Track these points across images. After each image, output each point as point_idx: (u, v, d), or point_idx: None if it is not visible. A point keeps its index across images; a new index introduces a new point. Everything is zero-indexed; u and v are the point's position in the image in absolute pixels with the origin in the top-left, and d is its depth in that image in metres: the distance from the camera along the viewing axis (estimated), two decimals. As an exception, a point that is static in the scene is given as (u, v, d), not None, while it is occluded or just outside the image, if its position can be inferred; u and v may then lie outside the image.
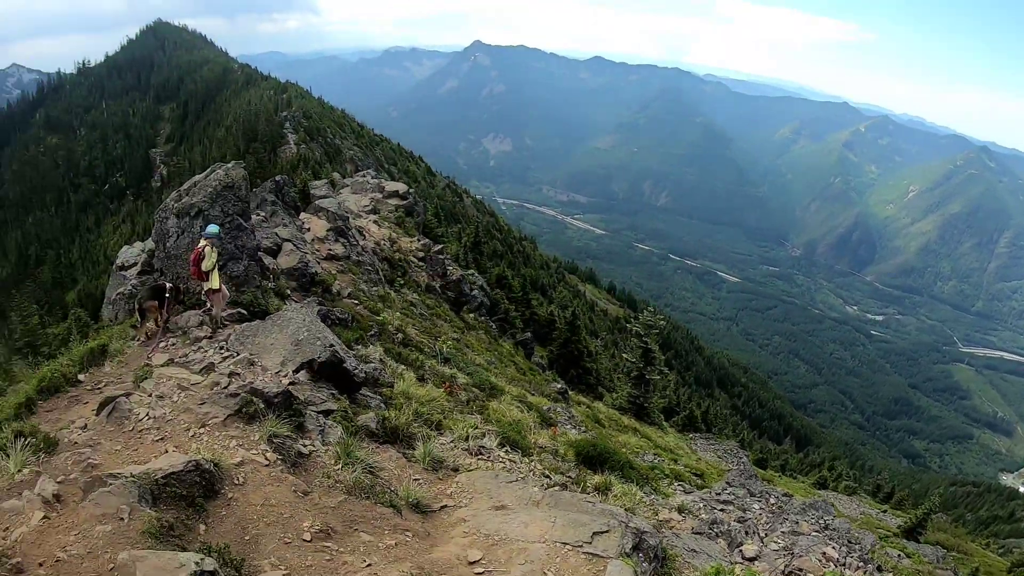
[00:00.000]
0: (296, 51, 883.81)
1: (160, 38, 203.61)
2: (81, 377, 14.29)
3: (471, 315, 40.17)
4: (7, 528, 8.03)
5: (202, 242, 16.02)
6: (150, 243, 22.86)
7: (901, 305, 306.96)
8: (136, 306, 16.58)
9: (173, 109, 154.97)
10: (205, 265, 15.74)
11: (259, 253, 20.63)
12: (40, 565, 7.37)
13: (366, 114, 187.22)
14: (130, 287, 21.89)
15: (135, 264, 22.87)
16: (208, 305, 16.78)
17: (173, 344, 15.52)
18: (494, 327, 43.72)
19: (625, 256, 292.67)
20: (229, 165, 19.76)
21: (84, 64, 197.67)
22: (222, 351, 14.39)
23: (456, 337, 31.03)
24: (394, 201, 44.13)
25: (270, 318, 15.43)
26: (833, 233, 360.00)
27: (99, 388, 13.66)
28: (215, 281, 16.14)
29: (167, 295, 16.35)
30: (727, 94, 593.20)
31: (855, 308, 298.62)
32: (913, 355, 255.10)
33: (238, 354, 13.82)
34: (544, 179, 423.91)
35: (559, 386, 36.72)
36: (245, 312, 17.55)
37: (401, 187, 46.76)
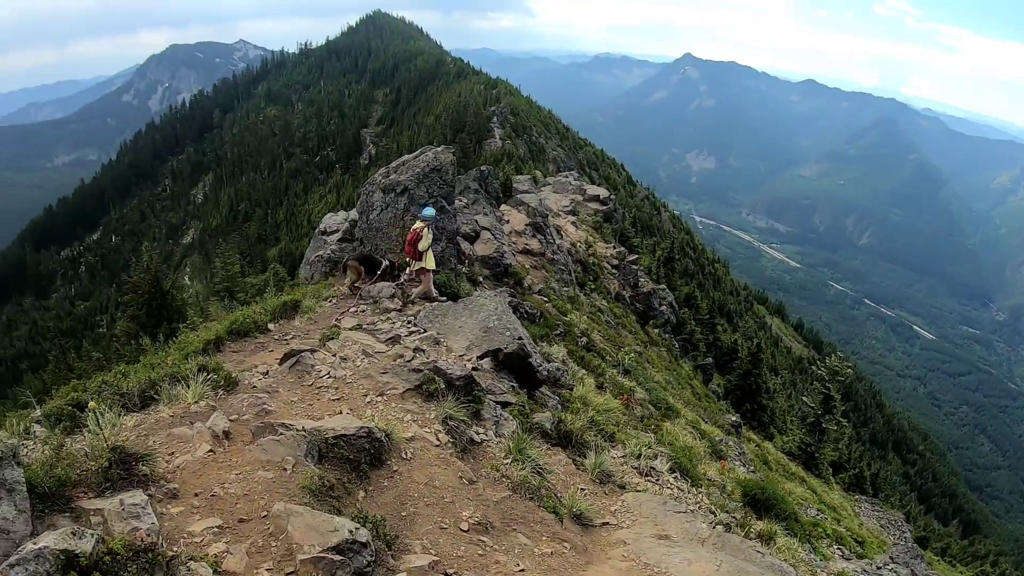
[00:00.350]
0: (508, 49, 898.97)
1: (379, 27, 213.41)
2: (271, 327, 14.73)
3: (655, 330, 39.31)
4: (172, 453, 8.14)
5: (418, 223, 16.45)
6: (353, 213, 23.44)
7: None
8: (343, 262, 17.89)
9: (386, 94, 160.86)
10: (421, 245, 16.24)
11: (457, 237, 20.74)
12: (196, 495, 7.40)
13: (572, 117, 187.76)
14: (329, 251, 22.54)
15: (337, 231, 23.50)
16: (405, 279, 17.47)
17: (363, 311, 15.72)
18: (676, 346, 42.65)
19: (818, 293, 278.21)
20: (439, 149, 19.96)
21: (306, 45, 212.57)
22: (409, 325, 14.36)
23: (638, 350, 30.31)
24: (594, 205, 43.89)
25: (462, 301, 15.34)
26: None
27: (286, 339, 14.00)
28: (429, 261, 16.55)
29: (379, 271, 17.22)
30: (944, 131, 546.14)
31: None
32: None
33: (425, 331, 13.73)
34: (744, 202, 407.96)
35: (733, 419, 35.28)
36: (435, 292, 17.54)
37: (602, 192, 46.46)
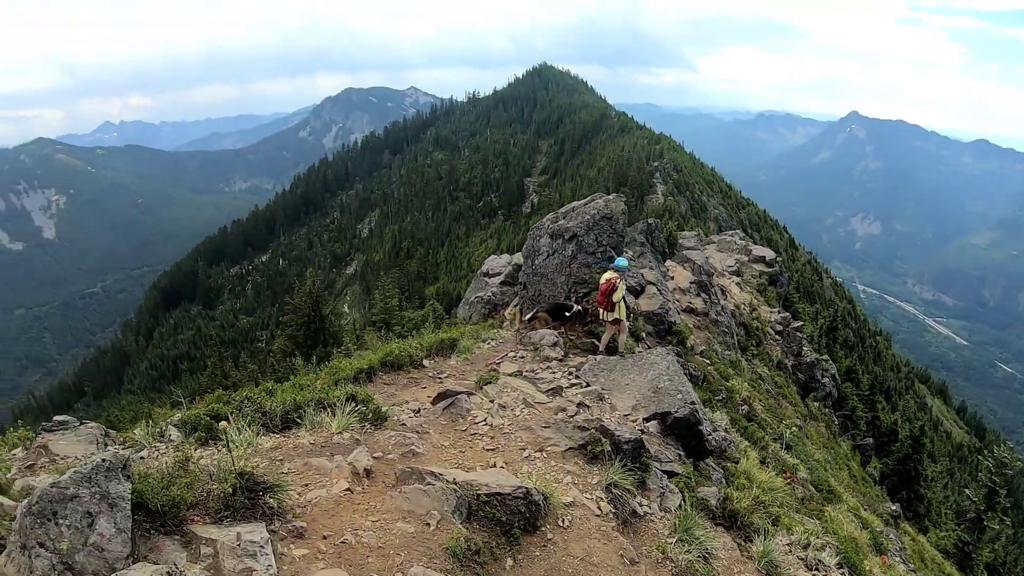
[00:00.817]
0: (671, 105, 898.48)
1: (544, 79, 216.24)
2: (426, 362, 14.34)
3: (815, 404, 37.07)
4: (306, 485, 7.53)
5: (611, 273, 15.86)
6: (517, 257, 22.98)
7: None
8: (532, 313, 17.15)
9: (550, 145, 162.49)
10: (616, 296, 15.61)
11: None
12: (324, 539, 6.71)
13: (734, 175, 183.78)
14: (490, 293, 22.09)
15: (499, 274, 23.12)
16: (586, 321, 17.17)
17: (522, 357, 15.03)
18: (836, 423, 40.11)
19: (984, 375, 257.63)
20: (610, 197, 19.26)
21: (474, 94, 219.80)
22: (571, 377, 13.58)
23: (799, 424, 28.48)
24: (759, 267, 42.17)
25: (631, 357, 14.41)
26: None
27: (440, 377, 13.50)
28: (622, 312, 15.92)
29: (569, 313, 16.95)
30: None
31: None
32: None
33: (588, 385, 12.89)
34: (909, 271, 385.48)
35: (892, 508, 32.66)
36: (597, 343, 16.69)
37: (768, 253, 44.56)
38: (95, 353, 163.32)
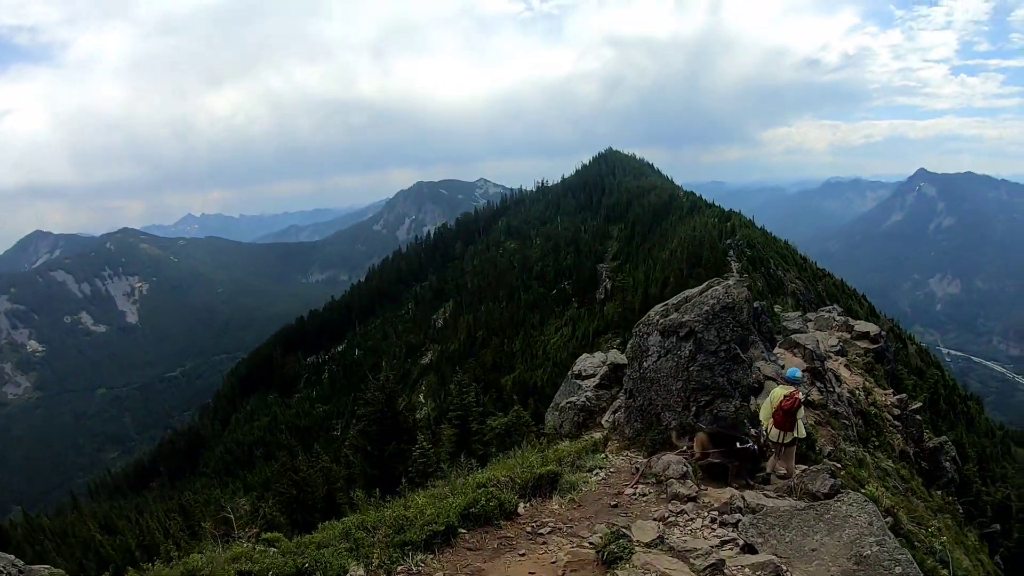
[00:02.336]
0: (737, 181, 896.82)
1: (610, 164, 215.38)
2: (520, 509, 10.97)
3: (937, 492, 32.44)
4: None
5: (784, 387, 13.82)
6: (614, 355, 19.92)
7: None
8: (692, 446, 14.03)
9: (621, 229, 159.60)
10: (800, 414, 13.58)
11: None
12: None
13: (805, 246, 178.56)
14: (584, 398, 18.94)
15: (593, 375, 20.01)
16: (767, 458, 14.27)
17: (644, 497, 11.55)
18: (960, 510, 35.23)
19: None
20: (730, 282, 16.03)
21: (543, 183, 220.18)
22: (718, 528, 10.18)
23: (938, 526, 24.22)
24: (863, 344, 38.10)
25: (810, 508, 10.35)
26: None
27: (540, 533, 10.22)
28: (801, 431, 13.80)
29: (740, 454, 13.63)
30: None
31: None
32: None
33: (752, 547, 9.29)
34: (995, 328, 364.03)
35: None
36: (728, 465, 13.31)
37: (872, 328, 40.42)
38: (172, 435, 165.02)
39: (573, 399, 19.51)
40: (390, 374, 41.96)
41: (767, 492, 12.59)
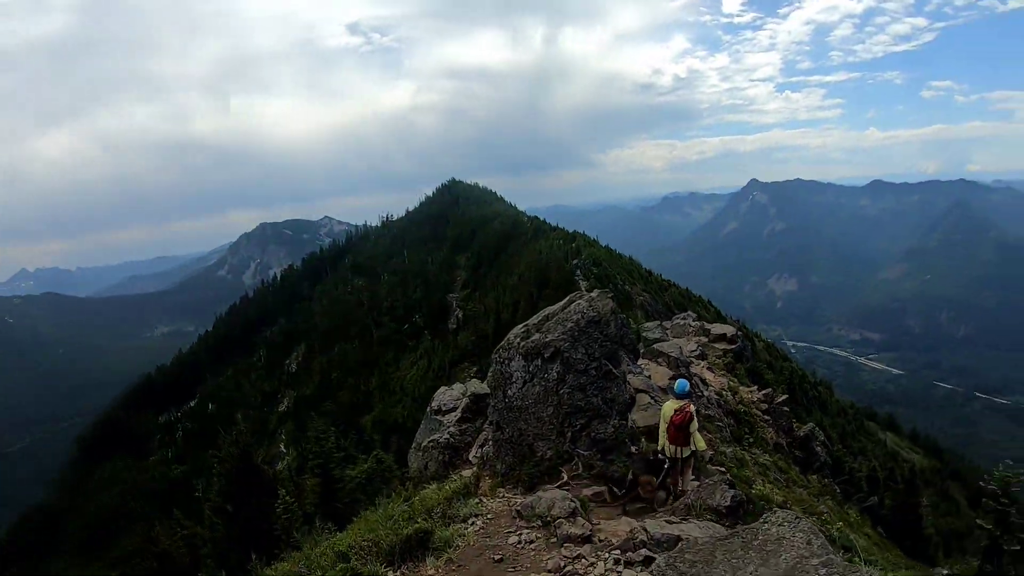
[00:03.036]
0: (579, 203, 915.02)
1: (454, 194, 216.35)
2: (393, 577, 9.26)
3: (814, 477, 32.84)
4: None
5: (673, 402, 13.24)
6: (474, 385, 18.48)
7: None
8: (629, 477, 13.26)
9: (467, 258, 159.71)
10: (694, 427, 13.09)
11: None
12: None
13: (650, 260, 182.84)
14: (447, 435, 17.47)
15: (454, 409, 18.48)
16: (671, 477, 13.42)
17: (532, 544, 10.18)
18: (838, 491, 35.87)
19: (925, 398, 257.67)
20: (594, 295, 14.94)
21: (388, 218, 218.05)
22: (622, 568, 8.97)
23: (825, 510, 24.14)
24: (721, 345, 38.25)
25: (737, 534, 8.15)
26: None
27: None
28: (700, 443, 13.44)
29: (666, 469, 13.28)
30: (1020, 200, 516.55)
31: None
32: None
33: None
34: (832, 318, 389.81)
35: (944, 572, 28.39)
36: (616, 491, 12.22)
37: (729, 329, 40.79)
38: (25, 513, 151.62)
39: (435, 437, 17.98)
40: (244, 427, 39.50)
41: (670, 518, 11.44)
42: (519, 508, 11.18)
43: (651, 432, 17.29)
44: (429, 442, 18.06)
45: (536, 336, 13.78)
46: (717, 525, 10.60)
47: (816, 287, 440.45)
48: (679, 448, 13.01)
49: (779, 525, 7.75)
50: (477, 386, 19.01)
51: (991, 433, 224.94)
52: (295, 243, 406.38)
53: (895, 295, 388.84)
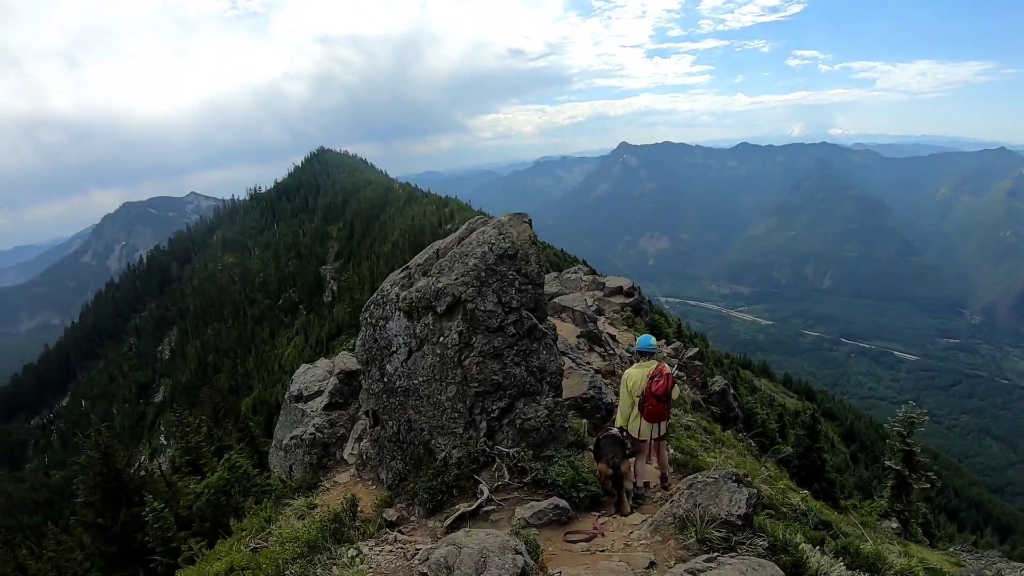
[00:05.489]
0: (451, 169, 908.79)
1: (324, 163, 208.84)
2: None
3: (728, 432, 29.96)
4: None
5: (641, 366, 9.87)
6: (343, 359, 13.68)
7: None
8: (608, 468, 9.17)
9: (340, 228, 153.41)
10: (676, 393, 10.09)
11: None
12: None
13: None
14: (313, 427, 12.88)
15: (319, 393, 13.69)
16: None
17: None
18: (754, 444, 33.16)
19: (794, 345, 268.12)
20: (504, 218, 10.10)
21: (256, 191, 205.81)
22: None
23: (768, 474, 20.82)
24: (618, 299, 34.63)
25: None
26: (1013, 292, 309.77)
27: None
28: (677, 391, 10.19)
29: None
30: (878, 161, 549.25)
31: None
32: None
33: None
34: (704, 274, 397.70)
35: (895, 526, 28.13)
36: (564, 505, 8.20)
37: (625, 282, 37.16)
38: None
39: (298, 432, 13.19)
40: (101, 428, 33.44)
41: (683, 555, 7.08)
42: (424, 571, 6.40)
43: (583, 401, 13.00)
44: (291, 439, 13.29)
45: (423, 282, 9.23)
46: (763, 561, 6.21)
47: (687, 245, 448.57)
48: (658, 425, 9.83)
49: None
50: (347, 360, 14.24)
51: (858, 375, 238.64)
52: (161, 222, 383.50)
53: (763, 250, 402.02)
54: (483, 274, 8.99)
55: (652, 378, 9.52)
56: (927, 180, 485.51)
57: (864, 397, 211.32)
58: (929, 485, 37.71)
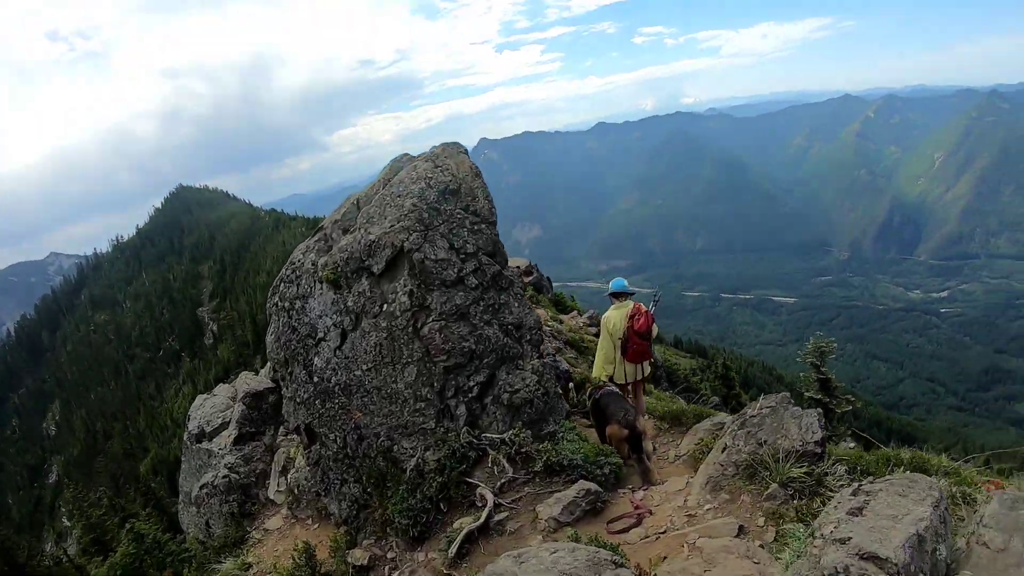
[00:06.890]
0: (316, 189, 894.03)
1: (185, 202, 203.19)
2: None
3: (658, 390, 28.53)
4: None
5: (618, 306, 9.66)
6: (244, 380, 11.32)
7: (961, 275, 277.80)
8: (622, 428, 7.52)
9: (211, 266, 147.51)
10: (655, 330, 9.44)
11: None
12: None
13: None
14: (225, 470, 10.54)
15: (224, 424, 11.14)
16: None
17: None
18: (682, 401, 31.92)
19: (677, 308, 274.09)
20: (438, 149, 7.91)
21: (118, 240, 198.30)
22: None
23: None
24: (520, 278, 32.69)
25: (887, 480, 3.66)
26: (874, 225, 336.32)
27: None
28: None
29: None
30: (732, 122, 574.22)
31: (917, 292, 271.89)
32: (989, 319, 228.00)
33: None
34: (580, 254, 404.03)
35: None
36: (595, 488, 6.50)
37: (523, 262, 35.71)
38: None
39: (208, 479, 10.54)
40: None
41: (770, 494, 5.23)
42: None
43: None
44: (201, 488, 10.65)
45: (347, 240, 6.99)
46: (913, 475, 4.24)
47: (559, 229, 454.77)
48: (641, 366, 9.70)
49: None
50: (250, 381, 11.61)
51: (742, 325, 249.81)
52: (24, 289, 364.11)
53: (633, 223, 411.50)
54: (426, 215, 6.83)
55: (632, 317, 9.39)
56: (780, 134, 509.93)
57: (751, 345, 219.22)
58: (850, 407, 37.36)
